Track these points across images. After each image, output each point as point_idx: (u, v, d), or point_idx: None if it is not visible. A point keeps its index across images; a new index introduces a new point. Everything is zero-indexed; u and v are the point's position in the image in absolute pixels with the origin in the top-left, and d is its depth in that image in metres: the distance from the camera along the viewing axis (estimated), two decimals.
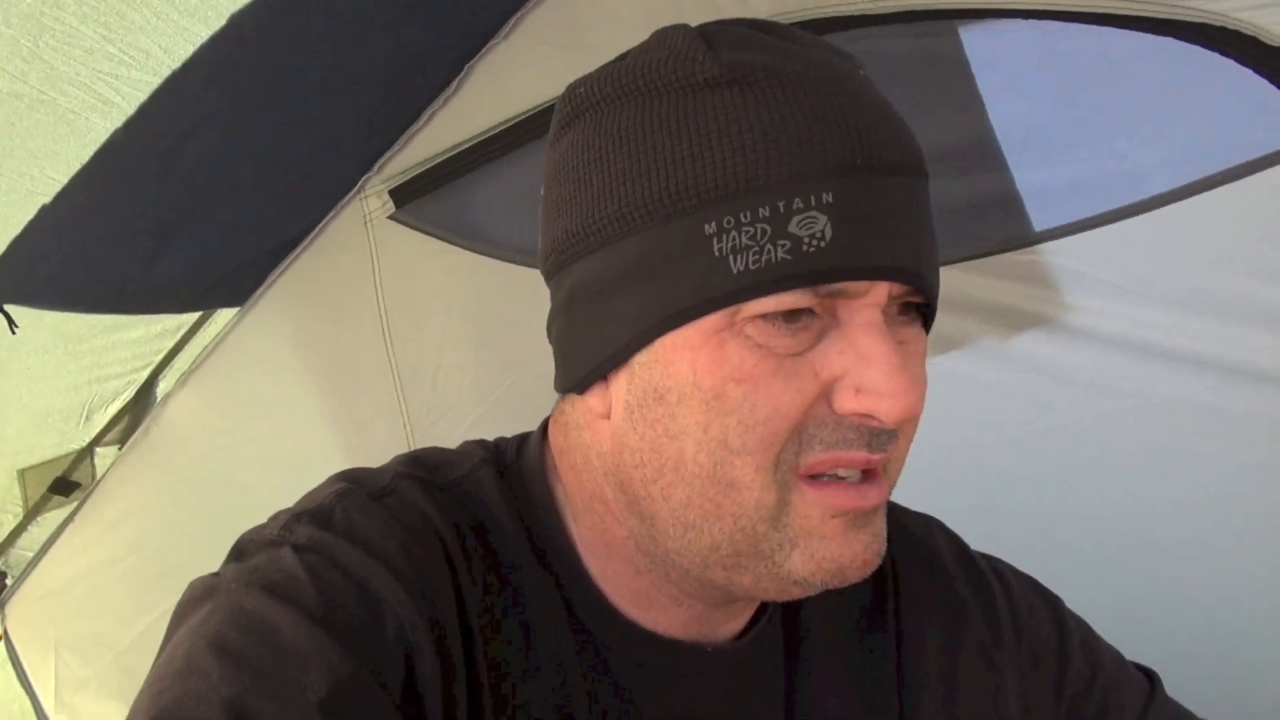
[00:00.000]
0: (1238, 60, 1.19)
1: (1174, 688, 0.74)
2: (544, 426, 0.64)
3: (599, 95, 0.53)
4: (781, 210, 0.47)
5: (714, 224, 0.48)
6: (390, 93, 1.58)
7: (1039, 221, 1.38)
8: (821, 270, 0.48)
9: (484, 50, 1.57)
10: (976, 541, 0.76)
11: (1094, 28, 1.25)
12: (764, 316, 0.49)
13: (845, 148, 0.48)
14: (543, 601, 0.57)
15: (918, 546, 0.70)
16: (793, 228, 0.47)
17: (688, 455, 0.51)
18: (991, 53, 1.33)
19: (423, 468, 0.59)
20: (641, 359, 0.52)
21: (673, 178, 0.49)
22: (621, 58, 0.56)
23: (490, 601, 0.56)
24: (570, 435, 0.59)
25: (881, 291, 0.49)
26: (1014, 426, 1.49)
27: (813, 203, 0.47)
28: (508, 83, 1.58)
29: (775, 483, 0.50)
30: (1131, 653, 0.75)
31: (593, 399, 0.55)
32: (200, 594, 0.51)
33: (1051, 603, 0.72)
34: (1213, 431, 1.36)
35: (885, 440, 0.50)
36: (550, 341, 0.59)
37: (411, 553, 0.53)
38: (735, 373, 0.49)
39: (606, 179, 0.51)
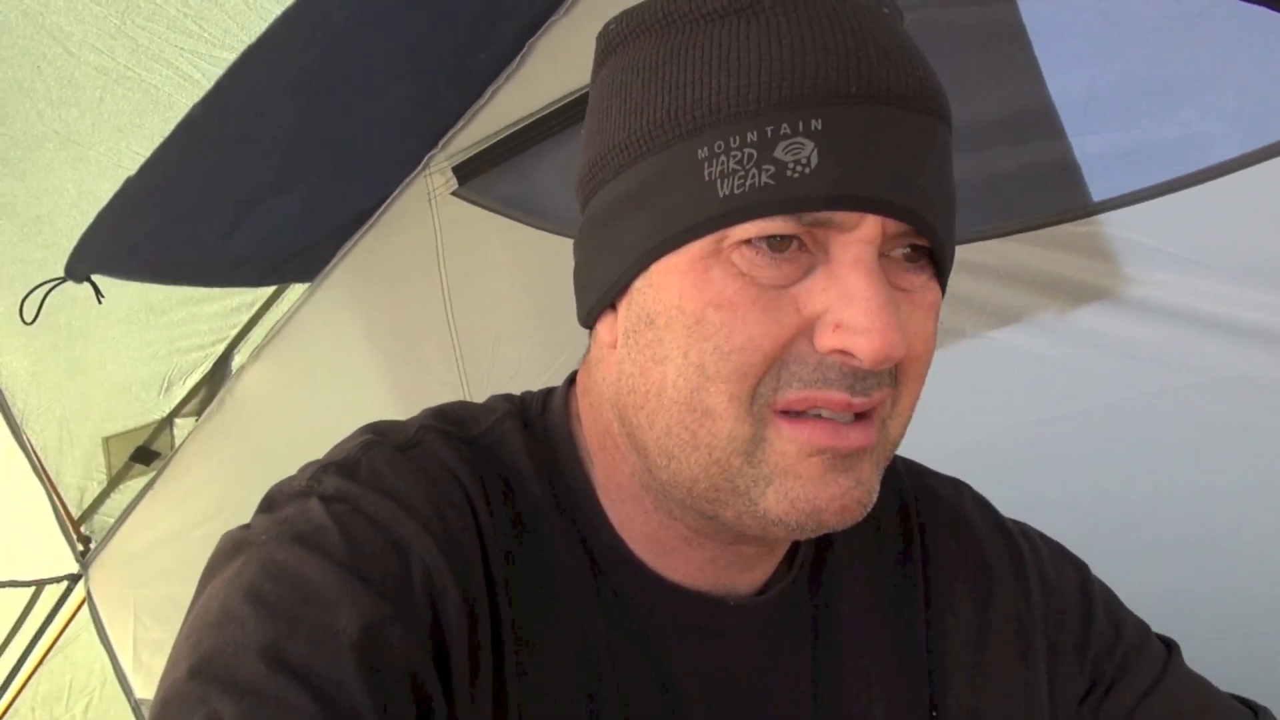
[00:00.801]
0: None
1: (1238, 681, 0.73)
2: (570, 380, 0.65)
3: (626, 30, 0.54)
4: (768, 135, 0.47)
5: (705, 148, 0.48)
6: (454, 69, 1.62)
7: (1098, 191, 1.35)
8: (804, 198, 0.47)
9: (545, 27, 1.60)
10: (1037, 524, 0.75)
11: None
12: (749, 243, 0.48)
13: (840, 75, 0.47)
14: (565, 551, 0.58)
15: (945, 508, 0.69)
16: (778, 153, 0.47)
17: (669, 380, 0.51)
18: (1050, 19, 1.31)
19: (448, 421, 0.60)
20: (639, 284, 0.52)
21: (674, 103, 0.50)
22: None
23: (513, 551, 0.56)
24: (592, 371, 0.60)
25: (873, 227, 0.48)
26: (1072, 403, 1.46)
27: (800, 129, 0.47)
28: (567, 59, 1.61)
29: (750, 416, 0.49)
30: (1189, 641, 0.74)
31: (602, 328, 0.56)
32: (231, 547, 0.52)
33: (1078, 567, 0.71)
34: (1277, 407, 1.32)
35: (870, 385, 0.49)
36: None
37: (436, 502, 0.53)
38: (716, 298, 0.49)
39: (624, 108, 0.53)
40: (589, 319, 0.58)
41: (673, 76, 0.50)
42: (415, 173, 1.80)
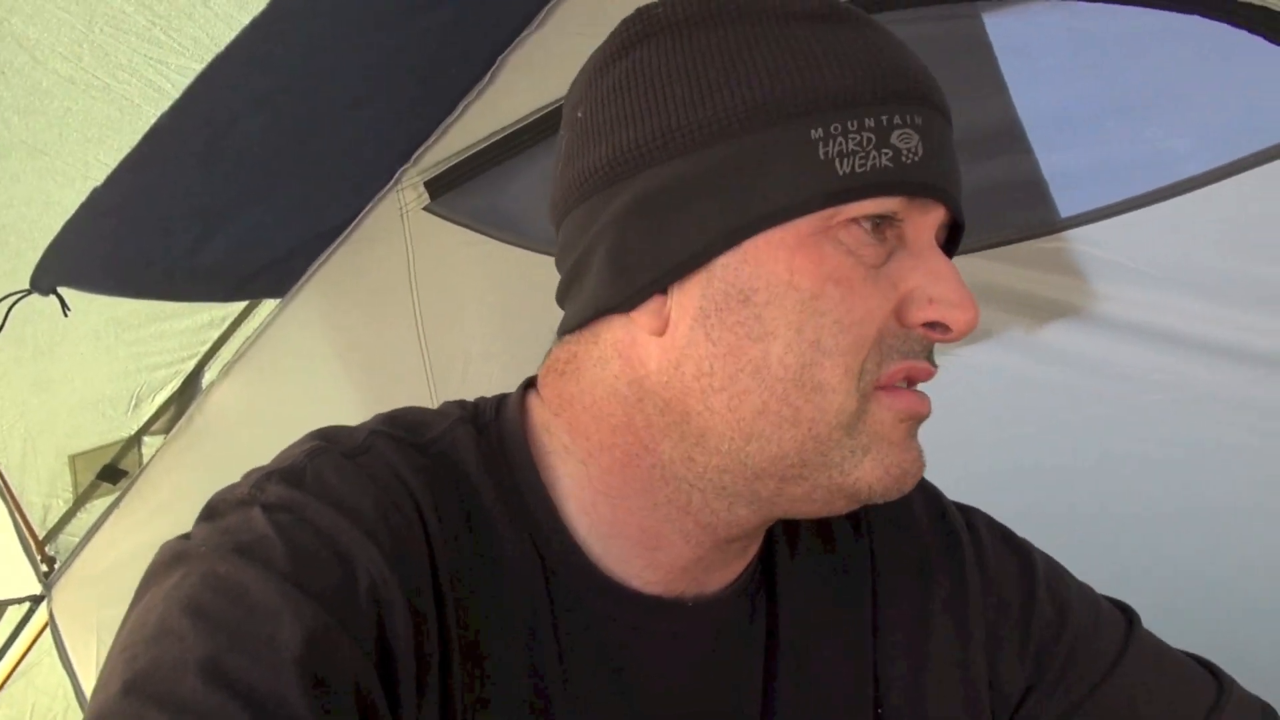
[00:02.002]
0: (1266, 38, 1.17)
1: None
2: (524, 386, 0.63)
3: (681, 15, 0.55)
4: (885, 123, 0.51)
5: (820, 130, 0.51)
6: (426, 83, 1.62)
7: (1065, 207, 1.36)
8: (915, 181, 0.52)
9: (517, 41, 1.60)
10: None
11: (1118, 7, 1.24)
12: (856, 222, 0.52)
13: (924, 83, 0.53)
14: (517, 558, 0.57)
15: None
16: (894, 139, 0.51)
17: (774, 357, 0.52)
18: (1015, 36, 1.32)
19: (399, 426, 0.59)
20: (725, 260, 0.52)
21: (778, 86, 0.52)
22: None
23: (463, 559, 0.55)
24: (584, 375, 0.58)
25: (940, 214, 0.54)
26: (1041, 420, 1.46)
27: (909, 121, 0.52)
28: (540, 73, 1.61)
29: (858, 391, 0.52)
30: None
31: (643, 315, 0.54)
32: (170, 558, 0.50)
33: (1021, 551, 0.71)
34: (1248, 424, 1.32)
35: (931, 356, 0.55)
36: (563, 286, 0.60)
37: (384, 510, 0.52)
38: (834, 273, 0.52)
39: (694, 87, 0.53)
40: (630, 303, 0.55)
41: (768, 63, 0.52)
42: (387, 187, 1.79)
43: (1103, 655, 0.67)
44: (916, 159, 0.51)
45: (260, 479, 0.53)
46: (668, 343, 0.54)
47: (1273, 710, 0.70)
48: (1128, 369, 1.38)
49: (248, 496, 0.52)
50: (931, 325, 0.53)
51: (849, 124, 0.51)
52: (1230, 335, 1.31)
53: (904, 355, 0.53)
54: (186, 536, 0.52)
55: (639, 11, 0.57)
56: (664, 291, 0.54)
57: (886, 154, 0.51)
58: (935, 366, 0.55)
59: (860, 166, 0.51)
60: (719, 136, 0.52)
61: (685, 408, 0.54)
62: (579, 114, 0.57)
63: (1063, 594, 0.70)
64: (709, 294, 0.53)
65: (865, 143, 0.51)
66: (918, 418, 0.54)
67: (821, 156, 0.51)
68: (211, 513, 0.53)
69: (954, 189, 0.54)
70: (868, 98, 0.51)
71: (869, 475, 0.53)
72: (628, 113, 0.54)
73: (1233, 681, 0.70)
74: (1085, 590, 0.71)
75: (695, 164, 0.52)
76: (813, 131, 0.51)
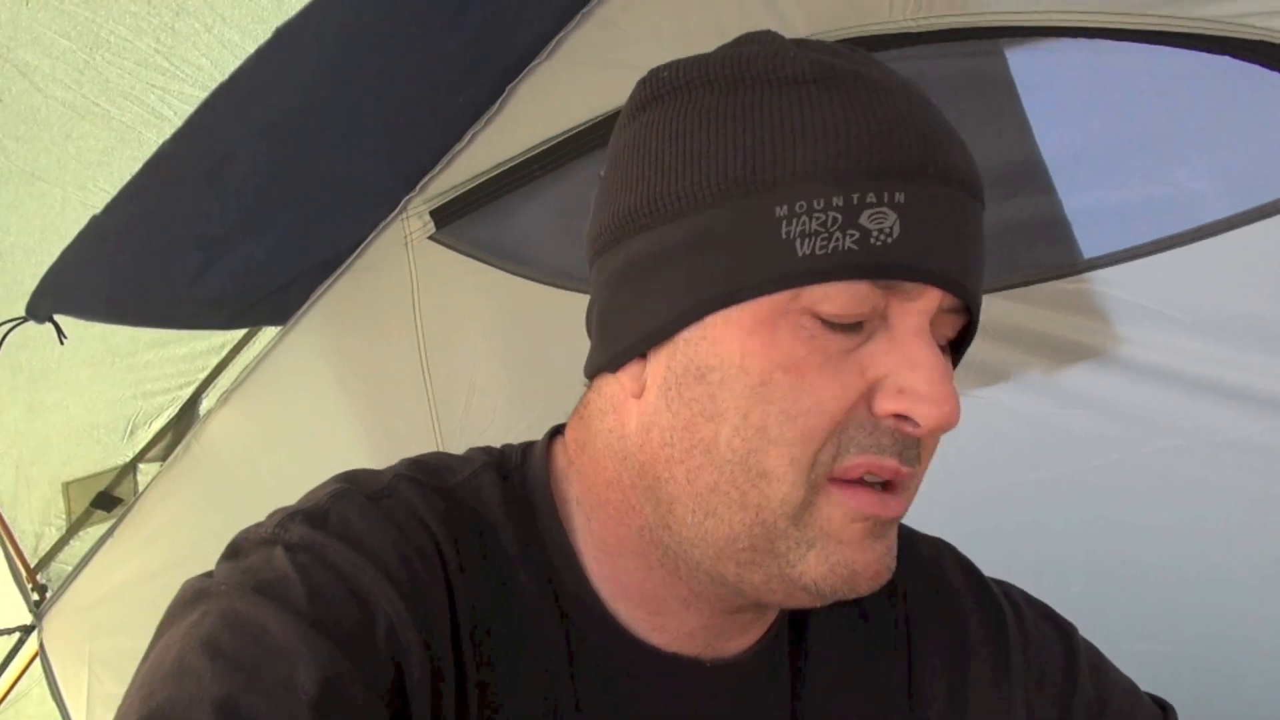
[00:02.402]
0: None
1: None
2: (550, 434, 0.64)
3: (683, 80, 0.54)
4: (855, 202, 0.48)
5: (786, 206, 0.49)
6: (432, 112, 1.60)
7: (1088, 248, 1.33)
8: (885, 265, 0.48)
9: (526, 71, 1.58)
10: (1024, 585, 0.73)
11: (1146, 46, 1.22)
12: (818, 314, 0.49)
13: (920, 154, 0.49)
14: (537, 606, 0.57)
15: (928, 567, 0.69)
16: (863, 220, 0.48)
17: (722, 438, 0.50)
18: (1039, 73, 1.30)
19: (423, 471, 0.59)
20: (688, 335, 0.52)
21: (750, 159, 0.50)
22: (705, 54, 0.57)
23: (483, 605, 0.55)
24: (593, 423, 0.58)
25: (934, 298, 0.50)
26: (1061, 464, 1.42)
27: (885, 199, 0.48)
28: (548, 104, 1.58)
29: (806, 481, 0.50)
30: (1177, 702, 0.72)
31: (626, 376, 0.55)
32: (191, 596, 0.50)
33: (1063, 629, 0.70)
34: (1273, 474, 1.29)
35: (913, 455, 0.51)
36: (588, 327, 0.59)
37: (405, 554, 0.53)
38: (785, 360, 0.49)
39: (681, 156, 0.52)
40: (614, 364, 0.56)
41: (748, 132, 0.50)
42: (392, 216, 1.76)
43: None
44: (890, 240, 0.48)
45: (284, 519, 0.53)
46: (643, 406, 0.54)
47: None
48: (1149, 413, 1.36)
49: (271, 536, 0.52)
50: (902, 417, 0.50)
51: (814, 202, 0.48)
52: (1252, 381, 1.28)
53: (864, 449, 0.50)
54: (209, 574, 0.52)
55: (650, 74, 0.57)
56: (644, 356, 0.54)
57: (852, 235, 0.48)
58: (910, 466, 0.51)
59: (821, 248, 0.48)
60: (695, 207, 0.51)
61: (656, 474, 0.54)
62: (602, 172, 0.58)
63: (1104, 673, 0.69)
64: (672, 366, 0.53)
65: (829, 223, 0.48)
66: (874, 519, 0.51)
67: (783, 236, 0.49)
68: (235, 551, 0.53)
69: (951, 269, 0.50)
70: (838, 174, 0.48)
71: (813, 571, 0.51)
72: (630, 178, 0.54)
73: None
74: (1125, 680, 0.70)
75: (672, 233, 0.52)
76: (778, 209, 0.49)
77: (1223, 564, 1.35)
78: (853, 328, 0.50)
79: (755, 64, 0.52)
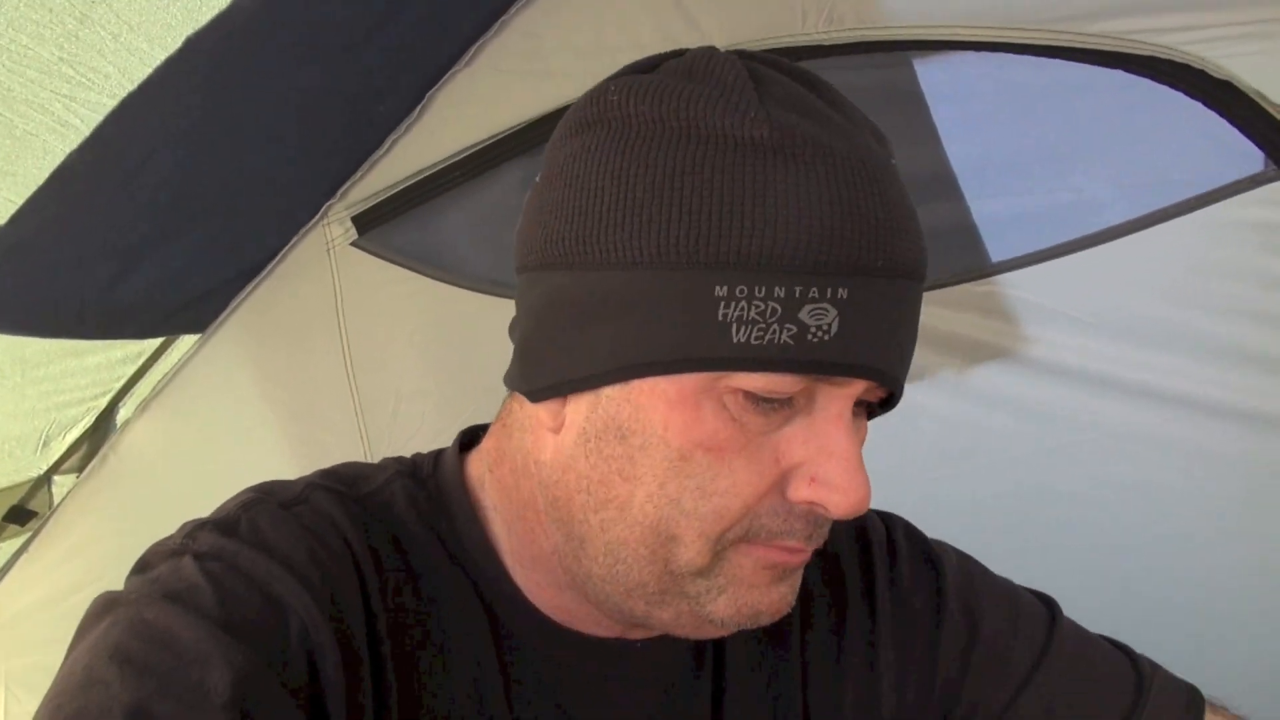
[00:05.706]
0: (1187, 93, 1.20)
1: None
2: (460, 440, 0.65)
3: (633, 112, 0.51)
4: (796, 295, 0.47)
5: (726, 289, 0.47)
6: (352, 119, 1.58)
7: (995, 253, 1.38)
8: (817, 361, 0.48)
9: (445, 78, 1.57)
10: None
11: (1047, 60, 1.27)
12: (745, 391, 0.49)
13: (869, 248, 0.48)
14: (460, 607, 0.58)
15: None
16: (803, 315, 0.47)
17: (636, 501, 0.51)
18: (946, 85, 1.34)
19: (337, 480, 0.60)
20: (611, 393, 0.51)
21: (694, 227, 0.48)
22: (653, 66, 0.55)
23: (402, 607, 0.56)
24: (513, 436, 0.59)
25: (859, 387, 0.50)
26: (972, 459, 1.48)
27: (828, 295, 0.47)
28: (469, 110, 1.58)
29: (713, 550, 0.51)
30: None
31: (544, 411, 0.55)
32: (101, 608, 0.50)
33: (934, 561, 0.71)
34: (1169, 465, 1.36)
35: (824, 530, 0.53)
36: (512, 336, 0.59)
37: (318, 558, 0.53)
38: (707, 440, 0.49)
39: (621, 201, 0.49)
40: (533, 397, 0.55)
41: (696, 197, 0.48)
42: (313, 222, 1.74)
43: (1020, 662, 0.68)
44: (827, 338, 0.47)
45: (193, 529, 0.54)
46: (560, 444, 0.54)
47: (1199, 693, 0.70)
48: (1055, 409, 1.41)
49: (179, 547, 0.53)
50: (814, 503, 0.51)
51: (756, 289, 0.47)
52: (1151, 379, 1.35)
53: (773, 535, 0.51)
54: (118, 590, 0.52)
55: (600, 89, 0.54)
56: (563, 398, 0.54)
57: (790, 330, 0.47)
58: (815, 543, 0.53)
59: (756, 339, 0.47)
60: (629, 264, 0.49)
61: (570, 512, 0.54)
62: (537, 178, 0.56)
63: (973, 604, 0.70)
64: (592, 419, 0.52)
65: (769, 313, 0.47)
66: (783, 567, 0.53)
67: (720, 318, 0.47)
68: (144, 565, 0.53)
69: (883, 363, 0.49)
70: (783, 263, 0.47)
71: (722, 611, 0.53)
72: (564, 203, 0.52)
73: (1154, 672, 0.70)
74: (1001, 591, 0.71)
75: (602, 283, 0.50)
76: (718, 289, 0.47)
77: (1122, 546, 1.42)
78: (774, 411, 0.50)
79: (711, 115, 0.49)
